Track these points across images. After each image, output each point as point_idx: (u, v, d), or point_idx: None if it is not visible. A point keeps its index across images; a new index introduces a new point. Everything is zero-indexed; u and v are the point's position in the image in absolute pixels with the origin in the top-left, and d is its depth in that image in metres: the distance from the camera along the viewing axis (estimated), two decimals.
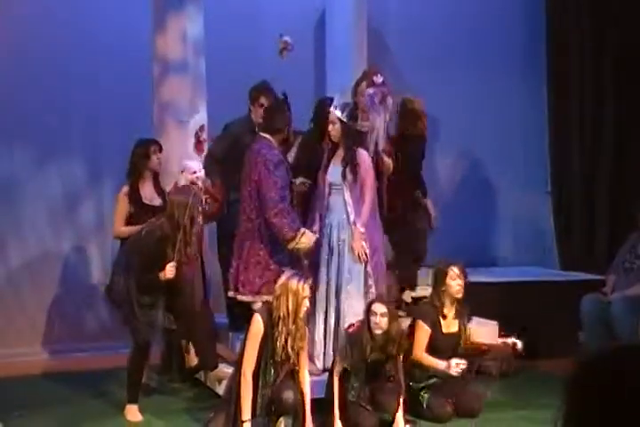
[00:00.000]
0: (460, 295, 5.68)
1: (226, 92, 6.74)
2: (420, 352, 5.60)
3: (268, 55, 6.94)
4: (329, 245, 5.85)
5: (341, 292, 5.79)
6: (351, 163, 5.77)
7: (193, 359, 6.19)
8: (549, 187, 8.55)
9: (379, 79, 6.44)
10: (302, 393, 5.06)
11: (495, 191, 8.47)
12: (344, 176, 5.77)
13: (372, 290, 5.76)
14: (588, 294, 6.73)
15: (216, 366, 5.89)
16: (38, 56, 6.97)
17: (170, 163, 6.51)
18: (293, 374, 5.05)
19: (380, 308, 5.22)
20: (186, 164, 6.20)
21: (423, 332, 5.62)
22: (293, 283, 4.95)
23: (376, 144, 6.35)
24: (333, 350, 5.71)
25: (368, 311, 5.27)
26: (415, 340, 5.60)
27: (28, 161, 7.11)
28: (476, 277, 7.38)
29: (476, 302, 7.00)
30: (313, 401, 5.17)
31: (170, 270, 5.43)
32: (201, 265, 6.34)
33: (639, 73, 8.02)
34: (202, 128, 6.32)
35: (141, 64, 6.79)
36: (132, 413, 5.62)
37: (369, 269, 5.79)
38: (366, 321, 5.27)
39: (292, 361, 5.01)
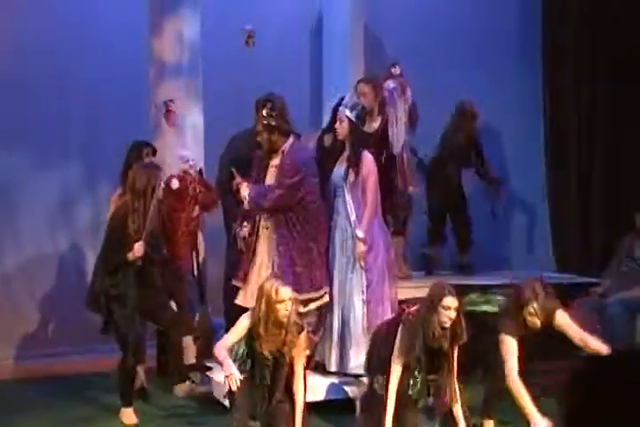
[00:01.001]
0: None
1: (222, 95, 6.74)
2: None
3: (265, 58, 6.96)
4: (333, 247, 5.88)
5: (345, 295, 5.82)
6: (354, 163, 5.78)
7: (190, 357, 6.17)
8: (546, 190, 8.54)
9: (397, 70, 6.47)
10: (293, 401, 4.98)
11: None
12: (345, 176, 5.78)
13: (364, 296, 5.79)
14: (584, 297, 6.74)
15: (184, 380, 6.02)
16: (36, 59, 6.96)
17: (166, 165, 6.50)
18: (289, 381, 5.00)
19: (452, 302, 4.86)
20: (179, 153, 6.30)
21: None
22: (266, 287, 4.85)
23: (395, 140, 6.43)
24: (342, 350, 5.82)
25: (437, 305, 4.86)
26: None
27: (26, 164, 7.09)
28: (473, 281, 7.40)
29: None
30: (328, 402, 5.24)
31: (137, 249, 5.33)
32: (197, 269, 6.39)
33: (636, 73, 8.01)
34: (171, 100, 6.24)
35: (138, 67, 6.79)
36: (128, 416, 5.61)
37: (365, 273, 5.80)
38: (433, 313, 4.87)
39: (280, 367, 4.91)
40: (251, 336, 4.87)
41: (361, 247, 5.75)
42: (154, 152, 6.24)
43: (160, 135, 6.63)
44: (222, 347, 4.87)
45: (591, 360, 1.72)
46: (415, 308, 5.02)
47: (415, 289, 7.02)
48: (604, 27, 8.16)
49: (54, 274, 7.19)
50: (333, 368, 5.88)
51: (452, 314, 4.87)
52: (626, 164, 8.22)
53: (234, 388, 4.72)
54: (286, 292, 4.84)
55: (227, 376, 4.74)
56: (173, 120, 6.00)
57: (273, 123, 5.68)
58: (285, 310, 4.80)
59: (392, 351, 4.97)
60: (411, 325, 4.95)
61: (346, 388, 5.82)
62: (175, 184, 6.18)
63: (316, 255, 5.78)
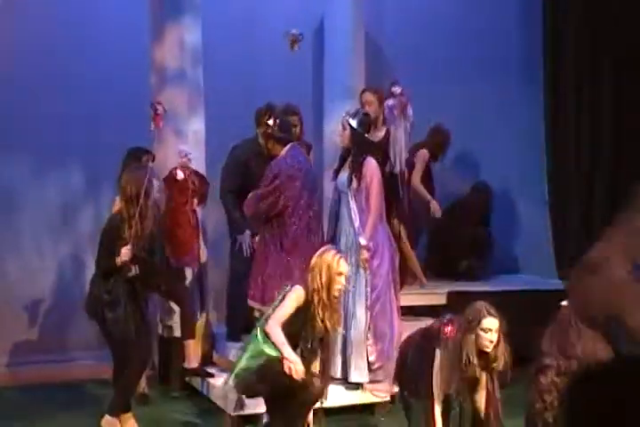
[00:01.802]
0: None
1: (224, 101, 6.74)
2: None
3: (267, 64, 6.97)
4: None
5: (348, 301, 5.81)
6: (357, 170, 5.80)
7: (192, 361, 6.13)
8: (547, 196, 8.52)
9: (397, 90, 6.50)
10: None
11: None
12: (349, 183, 5.79)
13: (368, 302, 5.78)
14: None
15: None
16: (37, 66, 6.97)
17: (167, 171, 6.50)
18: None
19: (493, 323, 4.52)
20: (178, 147, 6.36)
21: None
22: (328, 255, 4.74)
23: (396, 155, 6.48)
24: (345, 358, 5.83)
25: (476, 327, 4.52)
26: None
27: (27, 170, 7.10)
28: (474, 287, 7.40)
29: None
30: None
31: (125, 253, 5.25)
32: (199, 276, 6.38)
33: (638, 72, 8.01)
34: (159, 102, 6.01)
35: (139, 73, 6.79)
36: (112, 424, 5.40)
37: (369, 278, 5.79)
38: (471, 336, 4.52)
39: (325, 346, 4.81)
40: (306, 312, 4.70)
41: (364, 254, 5.75)
42: (153, 159, 6.21)
43: (161, 141, 6.63)
44: (277, 324, 4.67)
45: (592, 368, 1.72)
46: (452, 328, 4.64)
47: (419, 296, 7.09)
48: (605, 26, 8.15)
49: (56, 280, 7.19)
50: (338, 375, 5.88)
51: (494, 336, 4.52)
52: (628, 164, 8.18)
53: (298, 377, 4.55)
54: (345, 265, 4.77)
55: (288, 363, 4.53)
56: (160, 122, 5.93)
57: (269, 131, 5.79)
58: (341, 284, 4.73)
59: (425, 367, 4.65)
60: (449, 351, 4.59)
61: (349, 394, 5.81)
62: (180, 175, 6.22)
63: (291, 268, 5.70)
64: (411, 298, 6.89)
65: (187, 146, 6.44)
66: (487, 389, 4.69)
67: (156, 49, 6.68)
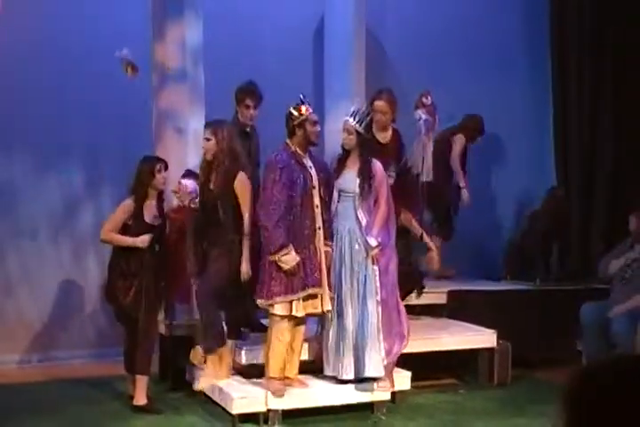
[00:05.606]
0: None
1: (224, 101, 6.74)
2: None
3: (267, 63, 6.98)
4: (340, 252, 5.84)
5: (357, 300, 5.79)
6: (367, 172, 5.80)
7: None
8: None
9: (428, 101, 6.58)
10: None
11: (494, 203, 8.47)
12: (362, 187, 5.78)
13: (379, 297, 5.77)
14: (588, 303, 6.70)
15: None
16: (39, 64, 6.98)
17: (168, 170, 6.49)
18: None
19: None
20: (182, 183, 6.04)
21: None
22: None
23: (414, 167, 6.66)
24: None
25: None
26: None
27: (27, 168, 7.11)
28: (473, 286, 7.41)
29: (473, 310, 7.02)
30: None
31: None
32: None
33: (638, 68, 8.03)
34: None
35: (140, 72, 6.79)
36: None
37: (379, 275, 5.78)
38: None
39: None
40: None
41: (374, 251, 5.75)
42: (166, 167, 5.98)
43: (162, 140, 6.64)
44: None
45: (592, 366, 1.72)
46: None
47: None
48: (608, 23, 8.18)
49: (57, 278, 7.20)
50: (349, 375, 5.80)
51: None
52: (629, 165, 8.19)
53: None
54: None
55: None
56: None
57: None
58: None
59: None
60: None
61: (362, 392, 5.81)
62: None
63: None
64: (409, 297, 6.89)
65: (190, 180, 6.09)
66: None
67: (158, 48, 6.68)
